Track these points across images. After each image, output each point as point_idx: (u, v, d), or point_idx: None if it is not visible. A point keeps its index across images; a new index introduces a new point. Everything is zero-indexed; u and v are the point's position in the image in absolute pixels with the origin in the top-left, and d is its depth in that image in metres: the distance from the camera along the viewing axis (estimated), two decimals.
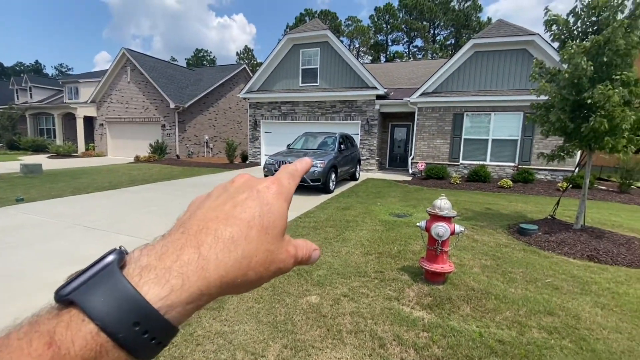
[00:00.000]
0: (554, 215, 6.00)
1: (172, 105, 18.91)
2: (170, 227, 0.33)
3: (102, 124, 21.71)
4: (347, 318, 2.87)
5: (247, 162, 17.33)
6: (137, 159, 18.21)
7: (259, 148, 16.82)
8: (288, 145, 10.82)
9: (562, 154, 5.28)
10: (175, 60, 61.11)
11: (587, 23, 4.69)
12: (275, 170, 9.79)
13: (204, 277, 0.29)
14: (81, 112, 21.51)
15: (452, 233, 3.37)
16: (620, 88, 4.36)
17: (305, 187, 8.98)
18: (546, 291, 3.39)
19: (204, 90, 21.20)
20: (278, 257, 0.33)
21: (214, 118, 22.23)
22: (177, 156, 19.33)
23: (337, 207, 7.09)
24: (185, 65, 40.71)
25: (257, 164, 16.64)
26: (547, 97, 5.27)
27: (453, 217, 3.37)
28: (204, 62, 60.88)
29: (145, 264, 0.29)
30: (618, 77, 4.46)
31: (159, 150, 18.63)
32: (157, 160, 17.73)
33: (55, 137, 23.98)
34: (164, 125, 19.72)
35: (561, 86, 4.85)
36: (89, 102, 21.64)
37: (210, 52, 65.07)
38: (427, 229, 3.44)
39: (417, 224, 3.59)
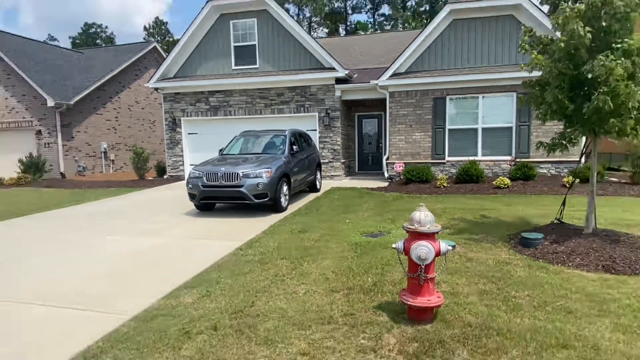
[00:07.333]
0: (560, 219, 6.36)
1: (50, 103, 16.98)
2: None
3: None
4: None
5: (166, 175, 16.31)
6: (0, 183, 16.49)
7: (181, 156, 15.97)
8: (221, 150, 10.46)
9: (563, 142, 5.63)
10: (55, 39, 54.28)
11: None
12: (204, 186, 9.61)
13: None
14: None
15: (438, 254, 3.46)
16: (623, 59, 4.67)
17: (248, 205, 8.80)
18: (558, 317, 3.58)
19: (99, 79, 19.33)
20: None
21: (114, 118, 20.63)
22: (62, 174, 17.76)
23: (292, 230, 7.12)
24: (69, 47, 36.83)
25: (180, 178, 15.58)
26: (540, 73, 5.65)
27: (437, 233, 3.48)
28: (98, 40, 54.53)
29: None
30: (619, 45, 4.80)
31: (33, 167, 16.77)
32: (32, 182, 16.16)
33: None
34: (39, 132, 17.85)
35: (556, 58, 5.21)
36: None
37: (106, 28, 60.51)
38: (406, 251, 3.52)
39: (393, 246, 3.65)
